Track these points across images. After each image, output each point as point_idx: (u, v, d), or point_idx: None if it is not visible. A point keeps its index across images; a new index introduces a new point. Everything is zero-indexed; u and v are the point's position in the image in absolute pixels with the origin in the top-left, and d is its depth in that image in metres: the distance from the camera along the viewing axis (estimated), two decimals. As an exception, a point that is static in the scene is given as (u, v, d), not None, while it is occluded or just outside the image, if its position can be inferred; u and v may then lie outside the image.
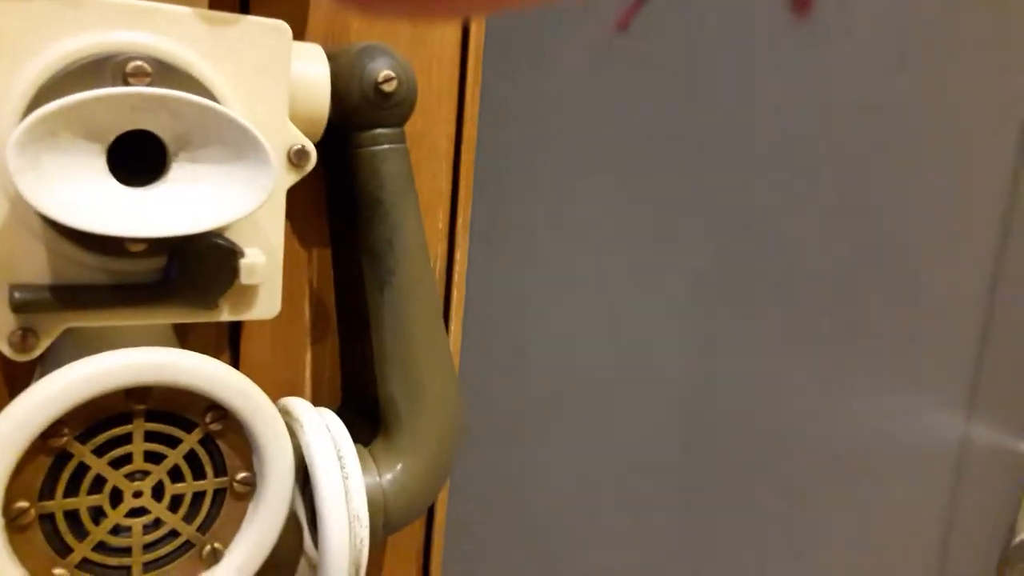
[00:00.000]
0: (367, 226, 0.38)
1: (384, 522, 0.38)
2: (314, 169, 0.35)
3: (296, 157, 0.35)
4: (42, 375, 0.34)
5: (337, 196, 0.41)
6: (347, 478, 0.36)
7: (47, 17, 0.29)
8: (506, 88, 0.49)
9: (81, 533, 0.33)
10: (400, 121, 0.39)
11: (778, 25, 0.61)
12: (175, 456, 0.34)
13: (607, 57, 0.54)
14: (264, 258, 0.35)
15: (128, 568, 0.34)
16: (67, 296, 0.31)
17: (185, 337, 0.40)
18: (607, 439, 0.62)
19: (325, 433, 0.36)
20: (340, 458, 0.36)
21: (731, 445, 0.69)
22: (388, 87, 0.37)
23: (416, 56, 0.42)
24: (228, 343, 0.41)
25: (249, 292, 0.35)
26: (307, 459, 0.36)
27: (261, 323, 0.41)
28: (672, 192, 0.60)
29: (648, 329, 0.61)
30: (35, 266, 0.31)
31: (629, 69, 0.56)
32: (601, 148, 0.56)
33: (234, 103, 0.33)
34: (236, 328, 0.41)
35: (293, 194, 0.35)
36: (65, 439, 0.31)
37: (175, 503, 0.34)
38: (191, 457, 0.34)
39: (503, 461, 0.57)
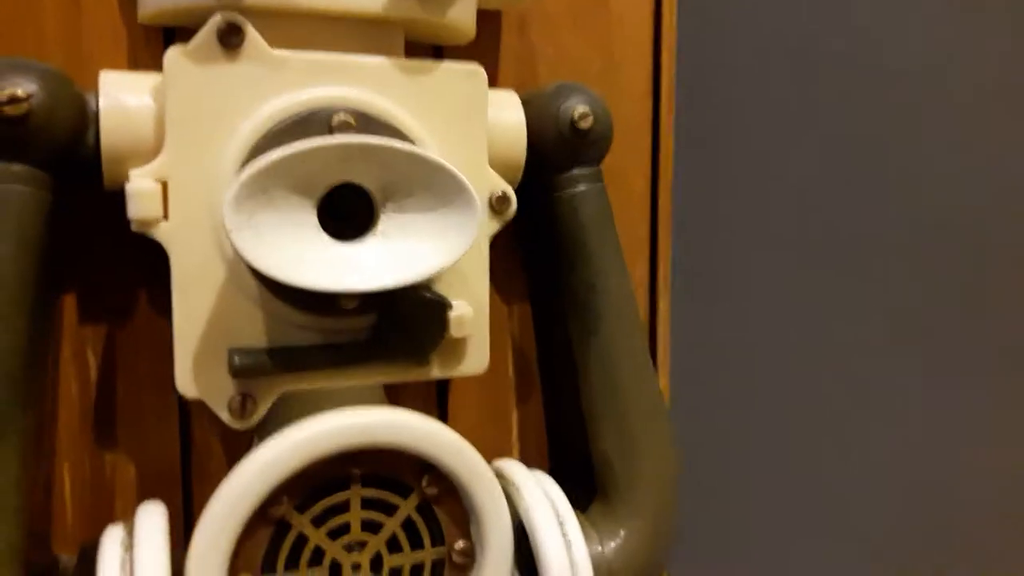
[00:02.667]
0: (569, 272, 0.36)
1: (610, 596, 0.34)
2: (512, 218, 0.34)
3: (498, 203, 0.33)
4: (259, 442, 0.33)
5: (535, 244, 0.39)
6: (570, 547, 0.33)
7: (254, 79, 0.30)
8: (702, 117, 0.47)
9: (303, 609, 0.31)
10: (597, 159, 0.37)
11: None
12: (393, 524, 0.32)
13: (813, 77, 0.50)
14: (471, 310, 0.33)
15: (349, 647, 0.32)
16: (284, 359, 0.30)
17: (395, 400, 0.39)
18: (826, 493, 0.56)
19: (544, 499, 0.34)
20: (562, 525, 0.33)
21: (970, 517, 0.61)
22: (584, 123, 0.35)
23: (607, 93, 0.40)
24: (436, 404, 0.40)
25: (458, 347, 0.34)
26: (528, 528, 0.33)
27: (467, 382, 0.40)
28: (881, 231, 0.54)
29: (866, 381, 0.55)
30: (252, 330, 0.30)
31: (836, 95, 0.52)
32: (803, 182, 0.52)
33: (434, 150, 0.32)
34: (444, 389, 0.40)
35: (491, 245, 0.34)
36: (285, 508, 0.30)
37: (394, 576, 0.32)
38: (408, 526, 0.32)
39: (719, 517, 0.53)
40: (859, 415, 0.55)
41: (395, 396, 0.38)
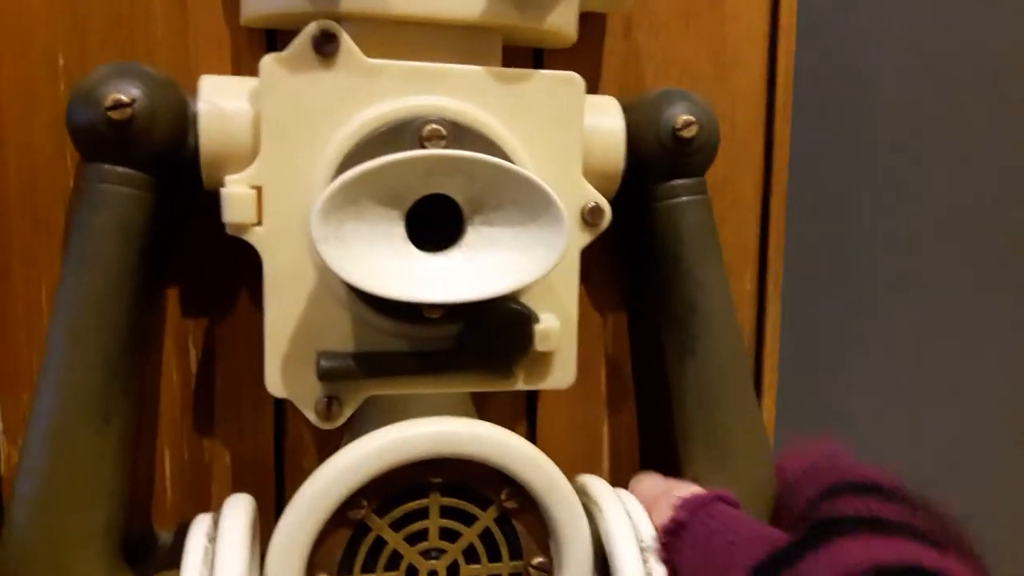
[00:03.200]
0: (667, 287, 0.35)
1: (693, 625, 0.33)
2: (609, 228, 0.33)
3: (590, 215, 0.32)
4: (348, 441, 0.34)
5: (634, 255, 0.38)
6: (651, 574, 0.32)
7: (348, 87, 0.30)
8: (819, 128, 0.44)
9: (380, 613, 0.32)
10: (701, 169, 0.35)
11: None
12: (470, 535, 0.32)
13: (941, 80, 0.46)
14: (559, 323, 0.32)
15: (423, 653, 0.32)
16: (370, 364, 0.31)
17: (483, 409, 0.39)
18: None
19: (626, 520, 0.33)
20: (643, 550, 0.32)
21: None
22: (687, 132, 0.33)
23: (717, 97, 0.39)
24: (525, 415, 0.39)
25: (544, 360, 0.33)
26: (607, 549, 0.32)
27: (557, 394, 0.39)
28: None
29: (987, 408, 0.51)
30: (340, 334, 0.31)
31: (966, 97, 0.48)
32: (924, 188, 0.48)
33: (527, 161, 0.32)
34: (532, 400, 0.39)
35: (587, 255, 0.33)
36: (364, 511, 0.31)
37: (470, 586, 0.32)
38: (486, 537, 0.32)
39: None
40: (983, 441, 0.51)
41: (483, 405, 0.38)
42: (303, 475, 0.37)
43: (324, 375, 0.30)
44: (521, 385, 0.33)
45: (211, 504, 0.36)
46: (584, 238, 0.33)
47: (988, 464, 0.52)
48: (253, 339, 0.36)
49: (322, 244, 0.27)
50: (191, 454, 0.36)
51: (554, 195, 0.28)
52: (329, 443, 0.37)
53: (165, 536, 0.36)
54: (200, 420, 0.36)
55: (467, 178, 0.29)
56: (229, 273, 0.35)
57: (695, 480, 0.35)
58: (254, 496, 0.32)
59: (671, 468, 0.37)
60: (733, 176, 0.39)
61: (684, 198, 0.34)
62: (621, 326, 0.40)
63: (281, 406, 0.37)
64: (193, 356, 0.35)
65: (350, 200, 0.27)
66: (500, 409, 0.39)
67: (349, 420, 0.35)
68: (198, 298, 0.35)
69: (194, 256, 0.35)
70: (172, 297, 0.35)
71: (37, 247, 0.34)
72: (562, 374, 0.33)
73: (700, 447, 0.35)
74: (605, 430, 0.40)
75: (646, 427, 0.40)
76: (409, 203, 0.29)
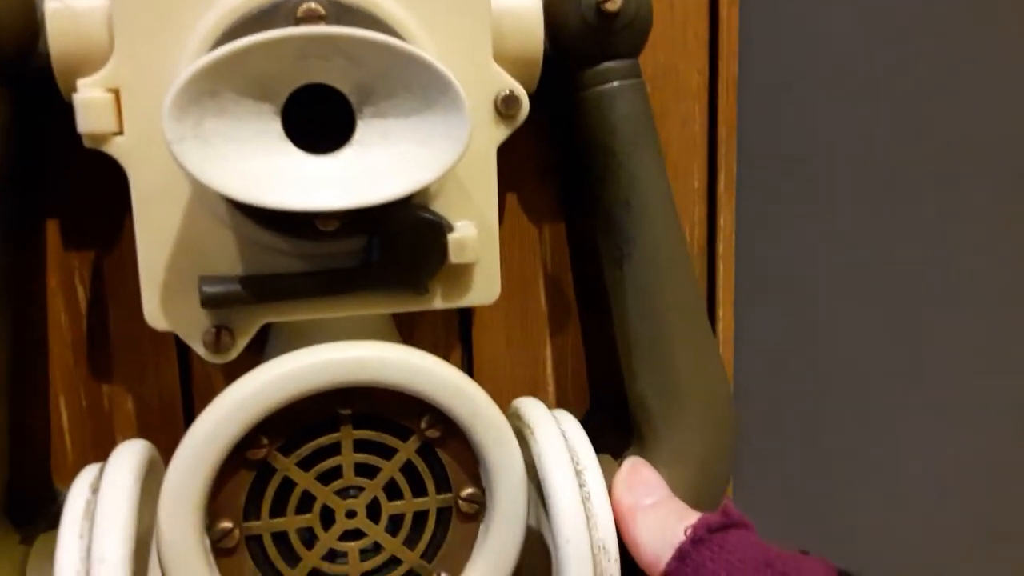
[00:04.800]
0: (599, 185, 0.31)
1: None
2: (538, 126, 0.29)
3: (504, 105, 0.29)
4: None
5: (565, 154, 0.34)
6: (588, 499, 0.29)
7: (212, -36, 0.26)
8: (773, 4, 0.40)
9: (293, 558, 0.29)
10: (632, 51, 0.31)
11: None
12: (390, 469, 0.29)
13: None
14: (476, 231, 0.29)
15: (346, 599, 0.30)
16: (259, 287, 0.27)
17: (412, 335, 0.35)
18: (913, 444, 0.50)
19: (560, 442, 0.30)
20: (579, 474, 0.29)
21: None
22: (611, 6, 0.29)
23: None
24: (459, 340, 0.36)
25: (463, 274, 0.29)
26: (540, 474, 0.29)
27: (493, 315, 0.36)
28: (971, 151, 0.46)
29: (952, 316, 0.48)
30: (224, 255, 0.27)
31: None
32: (884, 85, 0.44)
33: (428, 46, 0.28)
34: (467, 322, 0.36)
35: (518, 160, 0.29)
36: (265, 450, 0.28)
37: (394, 525, 0.29)
38: (409, 471, 0.29)
39: (789, 475, 0.47)
40: (934, 356, 0.48)
41: (411, 330, 0.35)
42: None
43: (207, 302, 0.27)
44: (439, 303, 0.30)
45: (116, 453, 0.33)
46: (500, 133, 0.29)
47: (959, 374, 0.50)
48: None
49: (177, 145, 0.23)
50: (89, 402, 0.33)
51: (449, 74, 0.24)
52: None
53: (64, 492, 0.33)
54: (96, 364, 0.33)
55: (349, 61, 0.25)
56: (113, 197, 0.32)
57: (639, 398, 0.32)
58: (162, 442, 0.29)
59: (616, 391, 0.34)
60: (675, 62, 0.35)
61: (614, 83, 0.31)
62: (559, 237, 0.36)
63: (184, 343, 0.33)
64: (82, 294, 0.32)
65: (208, 92, 0.23)
66: (432, 334, 0.35)
67: (264, 351, 0.32)
68: (81, 229, 0.32)
69: (71, 182, 0.31)
70: (52, 231, 0.32)
71: None
72: (485, 289, 0.30)
73: (644, 361, 0.32)
74: (548, 352, 0.37)
75: (592, 347, 0.37)
76: (284, 96, 0.25)
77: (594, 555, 0.28)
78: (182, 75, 0.23)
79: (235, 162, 0.24)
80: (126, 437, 0.33)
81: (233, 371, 0.33)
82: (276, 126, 0.25)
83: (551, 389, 0.37)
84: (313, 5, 0.26)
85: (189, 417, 0.34)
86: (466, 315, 0.36)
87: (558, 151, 0.35)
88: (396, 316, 0.32)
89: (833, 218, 0.44)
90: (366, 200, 0.25)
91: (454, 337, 0.36)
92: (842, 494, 0.49)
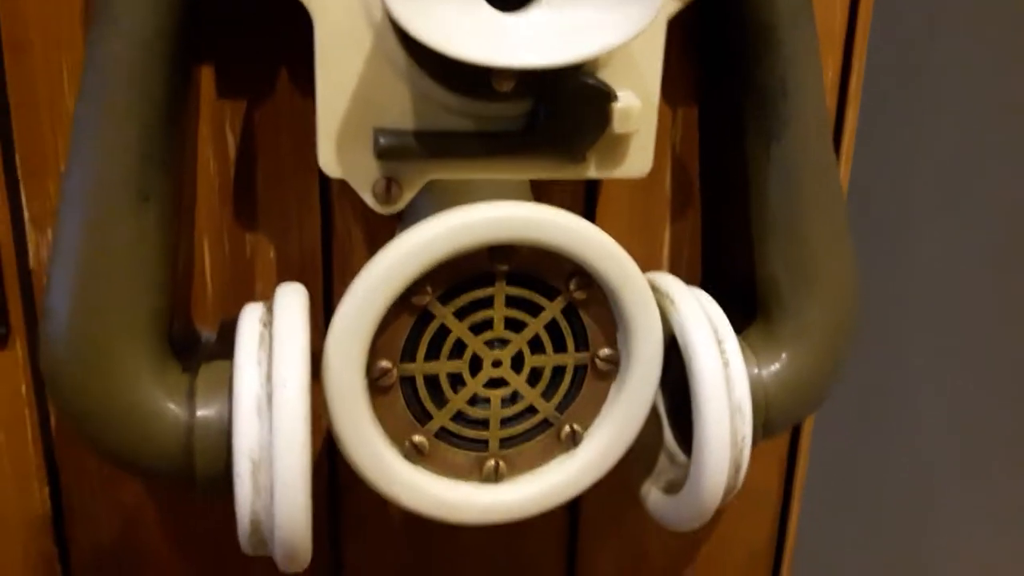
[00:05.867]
0: (754, 63, 0.32)
1: (764, 421, 0.32)
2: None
3: (679, -26, 0.29)
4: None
5: (714, 30, 0.34)
6: (727, 365, 0.30)
7: None
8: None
9: (440, 400, 0.31)
10: (799, -71, 0.31)
11: None
12: (536, 325, 0.30)
13: None
14: (639, 103, 0.29)
15: (485, 442, 0.32)
16: (433, 143, 0.28)
17: (540, 199, 0.36)
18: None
19: (702, 314, 0.31)
20: (719, 343, 0.31)
21: None
22: None
23: None
24: (583, 208, 0.37)
25: (619, 145, 0.30)
26: (681, 341, 0.31)
27: (620, 187, 0.37)
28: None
29: None
30: (399, 109, 0.28)
31: None
32: None
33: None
34: (592, 196, 0.37)
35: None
36: (428, 297, 0.29)
37: (534, 377, 0.31)
38: (552, 328, 0.31)
39: (874, 368, 0.49)
40: None
41: (541, 195, 0.36)
42: (352, 273, 0.35)
43: (382, 153, 0.28)
44: (593, 172, 0.30)
45: (257, 299, 0.35)
46: (673, 4, 0.29)
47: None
48: (296, 124, 0.33)
49: (390, -8, 0.23)
50: (232, 248, 0.34)
51: (650, -62, 0.24)
52: (379, 239, 0.35)
53: (207, 334, 0.34)
54: (241, 212, 0.34)
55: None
56: (268, 49, 0.32)
57: (771, 276, 0.33)
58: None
59: (739, 270, 0.35)
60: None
61: (778, -39, 0.31)
62: (691, 119, 0.36)
63: (328, 199, 0.34)
64: (231, 142, 0.33)
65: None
66: (557, 200, 0.36)
67: (403, 214, 0.33)
68: (235, 78, 0.32)
69: (228, 30, 0.32)
70: (206, 77, 0.32)
71: (54, 15, 0.30)
72: (638, 161, 0.31)
73: (780, 241, 0.33)
74: (667, 234, 0.38)
75: (709, 234, 0.38)
76: (481, -49, 0.25)
77: (732, 416, 0.30)
78: (400, -81, 0.23)
79: (439, 16, 0.24)
80: (265, 286, 0.35)
81: (372, 233, 0.35)
82: (472, -21, 0.25)
83: (666, 267, 0.38)
84: None
85: (328, 272, 0.35)
86: (592, 190, 0.37)
87: (701, 32, 0.35)
88: (532, 183, 0.33)
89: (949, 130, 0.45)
90: (558, 60, 0.25)
91: (579, 207, 0.37)
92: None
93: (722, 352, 0.30)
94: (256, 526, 0.27)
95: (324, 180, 0.34)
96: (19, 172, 0.31)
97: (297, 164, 0.33)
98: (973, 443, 0.53)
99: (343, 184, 0.33)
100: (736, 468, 0.31)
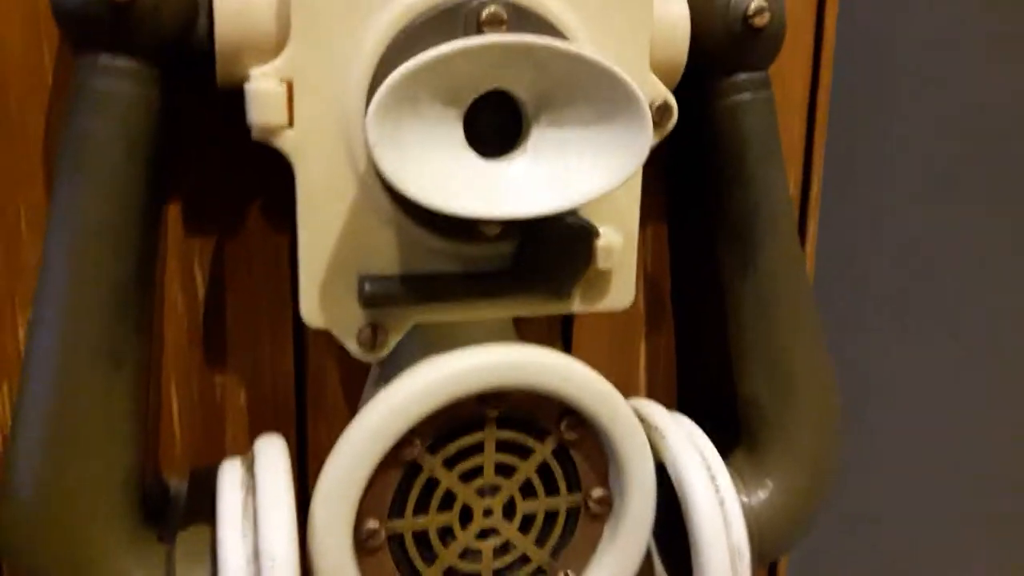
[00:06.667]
0: (725, 194, 0.32)
1: (758, 553, 0.31)
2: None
3: (658, 114, 0.29)
4: (382, 377, 0.30)
5: (684, 160, 0.35)
6: (723, 504, 0.30)
7: (391, -36, 0.25)
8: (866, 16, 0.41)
9: (430, 557, 0.29)
10: (766, 63, 0.32)
11: None
12: (527, 468, 0.29)
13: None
14: (620, 238, 0.29)
15: (478, 596, 0.30)
16: (418, 288, 0.27)
17: (518, 328, 0.35)
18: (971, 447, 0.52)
19: (693, 449, 0.30)
20: (713, 479, 0.30)
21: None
22: (759, 20, 0.30)
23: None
24: (560, 336, 0.36)
25: (601, 279, 0.30)
26: (675, 478, 0.30)
27: (593, 315, 0.36)
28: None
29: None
30: (383, 254, 0.27)
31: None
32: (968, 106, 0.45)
33: (590, 51, 0.28)
34: (568, 322, 0.36)
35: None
36: (417, 449, 0.28)
37: (526, 524, 0.30)
38: (543, 471, 0.30)
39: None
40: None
41: (519, 323, 0.35)
42: (327, 413, 0.34)
43: (369, 301, 0.27)
44: (577, 307, 0.30)
45: (225, 447, 0.33)
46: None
47: None
48: (268, 261, 0.32)
49: (378, 148, 0.23)
50: (201, 391, 0.32)
51: (637, 89, 0.25)
52: (355, 377, 0.34)
53: (176, 484, 0.32)
54: (211, 353, 0.32)
55: (537, 70, 0.25)
56: (238, 185, 0.31)
57: (752, 399, 0.33)
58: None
59: (715, 389, 0.35)
60: (782, 69, 0.36)
61: (749, 95, 0.31)
62: (660, 240, 0.37)
63: (301, 336, 0.33)
64: (200, 280, 0.31)
65: (408, 97, 0.23)
66: (536, 332, 0.36)
67: (392, 353, 0.32)
68: (204, 214, 0.31)
69: (198, 165, 0.30)
70: (173, 213, 0.31)
71: (11, 162, 0.29)
72: (621, 294, 0.30)
73: (759, 364, 0.33)
74: (642, 354, 0.38)
75: (684, 349, 0.38)
76: (468, 101, 0.25)
77: (731, 560, 0.29)
78: (391, 77, 0.22)
79: (424, 168, 0.24)
80: (237, 430, 0.33)
81: (347, 372, 0.33)
82: (459, 131, 0.25)
83: (642, 390, 0.38)
84: (495, 9, 0.25)
85: (302, 412, 0.33)
86: (568, 316, 0.36)
87: (669, 157, 0.35)
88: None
89: (901, 228, 0.46)
90: (549, 208, 0.25)
91: (556, 337, 0.36)
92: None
93: (717, 490, 0.29)
94: None
95: (297, 317, 0.32)
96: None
97: (269, 301, 0.32)
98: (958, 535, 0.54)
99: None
100: (740, 604, 0.30)
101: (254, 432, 0.33)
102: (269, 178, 0.31)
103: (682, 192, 0.35)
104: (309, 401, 0.33)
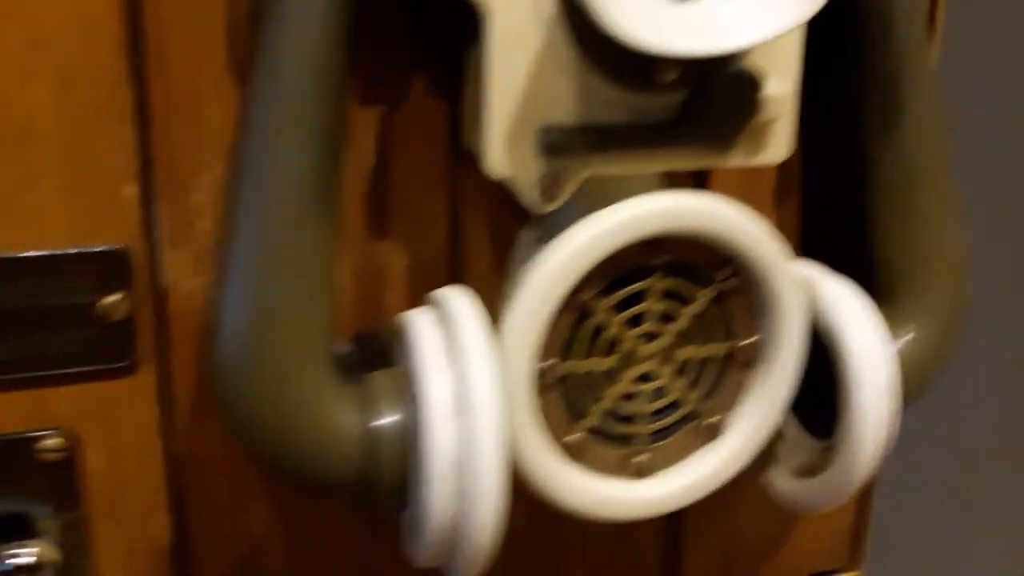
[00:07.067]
0: (871, 51, 0.33)
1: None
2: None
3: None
4: (541, 238, 0.32)
5: (823, 20, 0.35)
6: (876, 345, 0.31)
7: None
8: None
9: (594, 398, 0.31)
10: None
11: None
12: (686, 316, 0.31)
13: None
14: (785, 89, 0.30)
15: (634, 438, 0.32)
16: (596, 137, 0.28)
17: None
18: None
19: (848, 295, 0.32)
20: (865, 322, 0.31)
21: None
22: None
23: None
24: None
25: (761, 132, 0.31)
26: (828, 324, 0.32)
27: (727, 182, 0.37)
28: None
29: None
30: (564, 105, 0.28)
31: None
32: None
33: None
34: (703, 182, 0.37)
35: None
36: (590, 294, 0.29)
37: (682, 369, 0.32)
38: (700, 318, 0.31)
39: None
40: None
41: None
42: (478, 279, 0.35)
43: (550, 150, 0.28)
44: (737, 160, 0.31)
45: (384, 311, 0.34)
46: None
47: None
48: (430, 132, 0.33)
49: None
50: (366, 258, 0.34)
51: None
52: (505, 244, 0.35)
53: (340, 347, 0.34)
54: (374, 221, 0.33)
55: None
56: (405, 58, 0.32)
57: (887, 262, 0.34)
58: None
59: (843, 257, 0.36)
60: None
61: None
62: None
63: (456, 205, 0.34)
64: (367, 150, 0.32)
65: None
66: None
67: (530, 218, 0.33)
68: (372, 88, 0.32)
69: (368, 41, 0.31)
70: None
71: (198, 25, 0.29)
72: (778, 147, 0.31)
73: (896, 227, 0.34)
74: (773, 218, 0.38)
75: (811, 214, 0.39)
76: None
77: (885, 395, 0.31)
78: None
79: (627, 8, 0.25)
80: (395, 294, 0.34)
81: (498, 239, 0.35)
82: (650, -26, 0.26)
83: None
84: None
85: (455, 280, 0.35)
86: (701, 181, 0.37)
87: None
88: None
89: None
90: (735, 45, 0.26)
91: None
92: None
93: (870, 332, 0.31)
94: (445, 531, 0.27)
95: (453, 187, 0.34)
96: (156, 188, 0.30)
97: (428, 170, 0.33)
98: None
99: (470, 190, 0.33)
100: (887, 446, 0.31)
101: (412, 298, 0.34)
102: (432, 50, 0.32)
103: (822, 52, 0.36)
104: (464, 268, 0.35)
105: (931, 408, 0.39)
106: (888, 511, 0.49)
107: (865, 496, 0.46)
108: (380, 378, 0.29)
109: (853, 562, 0.46)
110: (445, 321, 0.28)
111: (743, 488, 0.42)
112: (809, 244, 0.39)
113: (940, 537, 0.60)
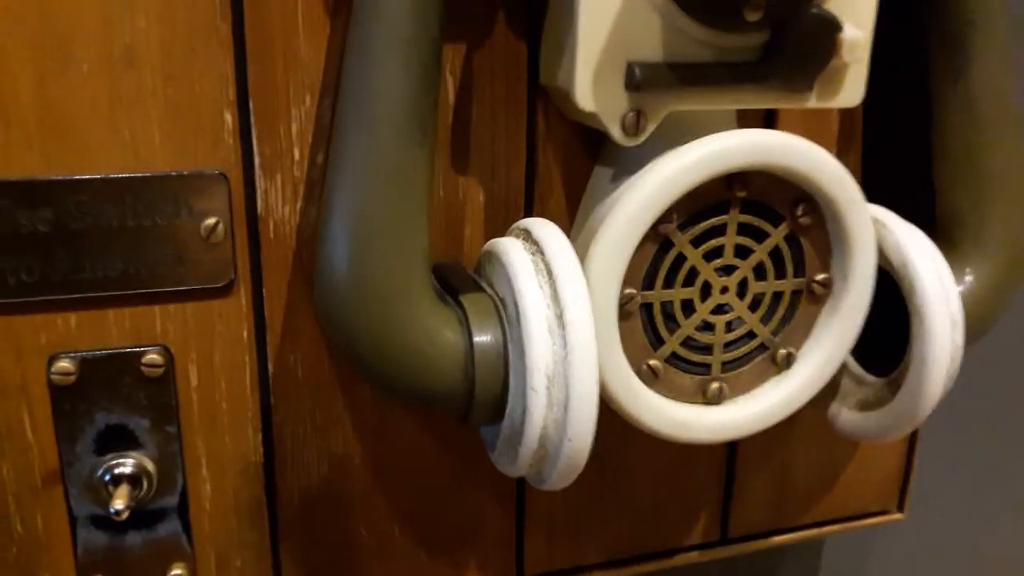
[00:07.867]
0: (942, 4, 0.33)
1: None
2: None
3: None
4: (618, 175, 0.33)
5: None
6: (944, 280, 0.32)
7: None
8: None
9: (672, 326, 0.32)
10: None
11: None
12: (761, 252, 0.32)
13: None
14: (863, 33, 0.31)
15: (708, 366, 0.33)
16: (681, 74, 0.29)
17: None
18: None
19: (917, 236, 0.33)
20: (933, 259, 0.32)
21: None
22: None
23: None
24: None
25: (837, 75, 0.32)
26: (899, 261, 0.33)
27: (794, 118, 0.38)
28: None
29: None
30: (650, 43, 0.29)
31: None
32: None
33: None
34: (769, 122, 0.38)
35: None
36: (672, 227, 0.31)
37: (755, 302, 0.33)
38: (774, 254, 0.32)
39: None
40: None
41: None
42: (550, 217, 0.36)
43: (636, 86, 0.29)
44: (814, 102, 0.32)
45: (463, 245, 0.36)
46: (890, -62, 0.31)
47: None
48: (510, 69, 0.34)
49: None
50: (446, 192, 0.35)
51: None
52: (576, 184, 0.36)
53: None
54: (455, 156, 0.35)
55: None
56: (485, -4, 0.33)
57: (951, 211, 0.35)
58: (503, 232, 0.31)
59: (907, 202, 0.37)
60: None
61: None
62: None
63: (533, 142, 0.35)
64: (451, 86, 0.34)
65: None
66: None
67: (604, 156, 0.34)
68: (456, 24, 0.33)
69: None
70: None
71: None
72: (853, 91, 0.32)
73: (959, 175, 0.35)
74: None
75: (871, 166, 0.40)
76: None
77: (952, 329, 0.32)
78: None
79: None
80: (473, 229, 0.35)
81: (570, 179, 0.36)
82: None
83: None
84: None
85: (529, 215, 0.36)
86: (769, 117, 0.38)
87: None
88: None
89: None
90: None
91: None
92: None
93: (938, 268, 0.32)
94: (544, 440, 0.28)
95: (531, 124, 0.35)
96: (252, 116, 0.32)
97: (507, 108, 0.34)
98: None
99: (547, 127, 0.34)
100: (951, 378, 0.33)
101: (488, 231, 0.35)
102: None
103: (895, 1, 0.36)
104: (536, 204, 0.36)
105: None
106: (932, 460, 0.50)
107: (911, 443, 0.47)
108: (477, 299, 0.30)
109: (898, 506, 0.48)
110: (536, 248, 0.29)
111: (799, 426, 0.43)
112: (870, 189, 0.40)
113: (980, 486, 0.61)
